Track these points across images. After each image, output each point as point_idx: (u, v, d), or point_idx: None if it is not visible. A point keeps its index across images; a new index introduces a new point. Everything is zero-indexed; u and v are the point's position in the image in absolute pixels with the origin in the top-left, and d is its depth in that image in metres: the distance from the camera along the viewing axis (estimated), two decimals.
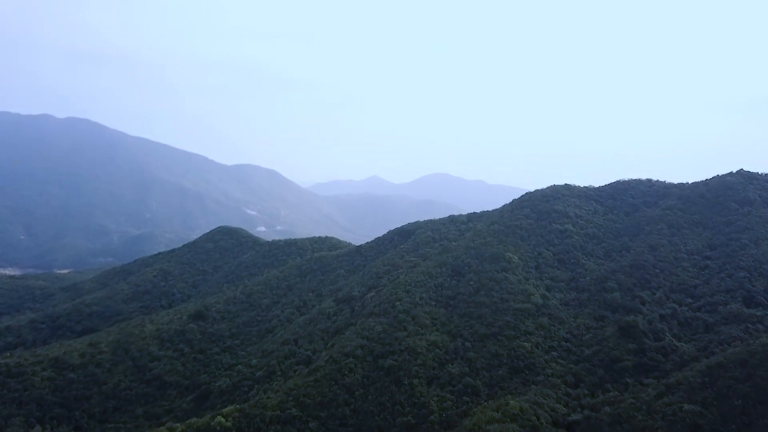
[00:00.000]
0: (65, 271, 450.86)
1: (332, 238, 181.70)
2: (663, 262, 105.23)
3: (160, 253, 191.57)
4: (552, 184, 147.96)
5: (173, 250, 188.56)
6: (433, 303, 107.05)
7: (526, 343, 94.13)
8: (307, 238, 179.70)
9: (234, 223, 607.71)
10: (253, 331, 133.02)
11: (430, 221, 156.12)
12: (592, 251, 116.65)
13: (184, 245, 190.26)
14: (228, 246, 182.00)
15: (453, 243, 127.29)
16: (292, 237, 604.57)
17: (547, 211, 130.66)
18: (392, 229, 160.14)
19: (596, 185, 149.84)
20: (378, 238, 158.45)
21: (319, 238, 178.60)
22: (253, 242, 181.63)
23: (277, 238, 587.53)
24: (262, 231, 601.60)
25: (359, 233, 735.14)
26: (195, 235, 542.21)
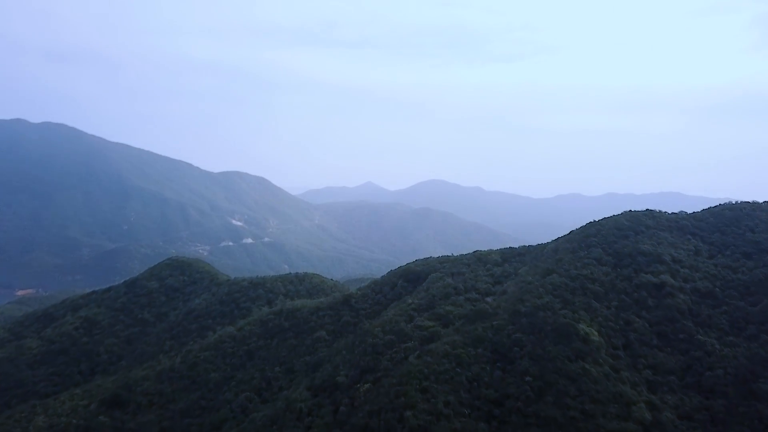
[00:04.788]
0: (26, 291, 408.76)
1: (313, 275, 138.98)
2: None
3: (94, 292, 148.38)
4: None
5: (109, 289, 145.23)
6: (467, 412, 64.97)
7: None
8: (278, 276, 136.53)
9: (219, 235, 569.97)
10: (193, 426, 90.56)
11: (447, 258, 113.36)
12: (709, 319, 74.81)
13: (122, 283, 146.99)
14: (177, 285, 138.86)
15: (488, 300, 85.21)
16: (281, 248, 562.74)
17: (629, 253, 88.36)
18: (394, 269, 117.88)
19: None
20: (375, 281, 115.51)
21: (296, 276, 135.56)
22: (210, 280, 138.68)
23: (264, 250, 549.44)
24: (248, 243, 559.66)
25: (353, 244, 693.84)
26: (174, 249, 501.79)
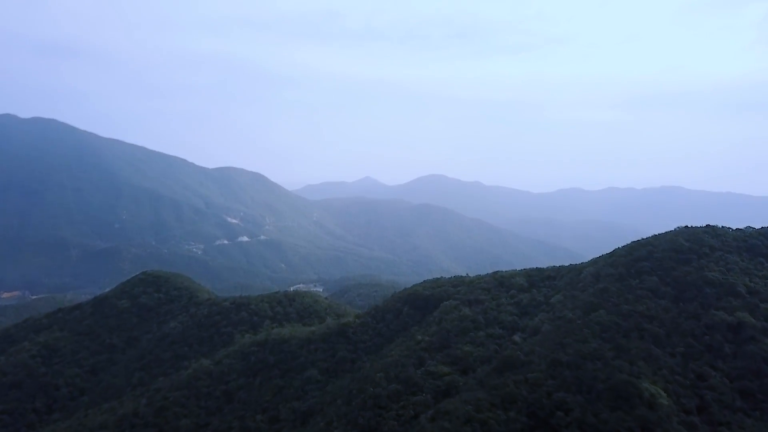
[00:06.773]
0: (11, 294, 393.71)
1: (305, 293, 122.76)
2: None
3: (60, 310, 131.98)
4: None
5: (77, 306, 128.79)
6: None
7: None
8: (265, 296, 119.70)
9: (214, 233, 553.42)
10: None
11: (461, 280, 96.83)
12: None
13: (90, 301, 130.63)
14: (152, 304, 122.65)
15: (516, 338, 69.12)
16: (278, 246, 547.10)
17: (693, 282, 72.04)
18: (398, 291, 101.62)
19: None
20: (376, 307, 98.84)
21: (285, 295, 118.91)
22: (189, 298, 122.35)
23: (260, 248, 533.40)
24: (244, 241, 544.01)
25: (351, 241, 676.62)
26: (167, 248, 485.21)
